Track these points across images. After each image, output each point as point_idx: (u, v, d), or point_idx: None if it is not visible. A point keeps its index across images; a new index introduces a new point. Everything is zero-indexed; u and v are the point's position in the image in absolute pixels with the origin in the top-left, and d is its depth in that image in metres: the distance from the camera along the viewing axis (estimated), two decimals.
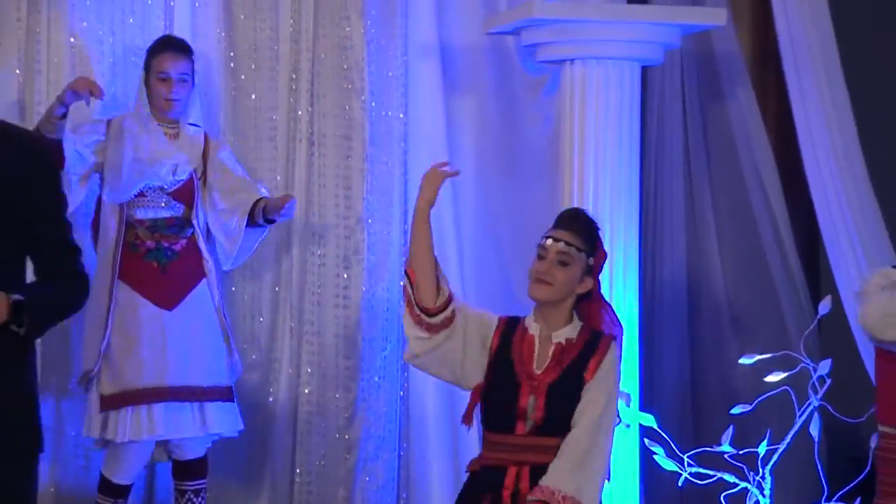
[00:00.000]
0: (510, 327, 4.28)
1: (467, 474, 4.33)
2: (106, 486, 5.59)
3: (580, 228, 4.29)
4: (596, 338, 4.28)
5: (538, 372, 4.21)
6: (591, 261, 4.28)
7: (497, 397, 4.23)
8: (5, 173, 3.60)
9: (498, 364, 4.25)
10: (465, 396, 4.34)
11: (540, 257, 4.26)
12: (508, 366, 4.23)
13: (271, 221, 5.68)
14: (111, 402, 5.49)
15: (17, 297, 3.57)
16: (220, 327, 5.65)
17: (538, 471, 4.18)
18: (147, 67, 5.64)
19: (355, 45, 6.06)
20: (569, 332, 4.27)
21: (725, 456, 5.73)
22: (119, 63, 5.88)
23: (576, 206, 5.61)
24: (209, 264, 5.64)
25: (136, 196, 5.59)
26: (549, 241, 4.26)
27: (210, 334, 5.62)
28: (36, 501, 3.78)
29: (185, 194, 5.64)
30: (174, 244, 5.60)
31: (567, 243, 4.24)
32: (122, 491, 5.60)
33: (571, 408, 4.21)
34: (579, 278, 4.26)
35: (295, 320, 6.08)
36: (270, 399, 6.09)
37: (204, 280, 5.63)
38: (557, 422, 4.20)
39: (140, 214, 5.60)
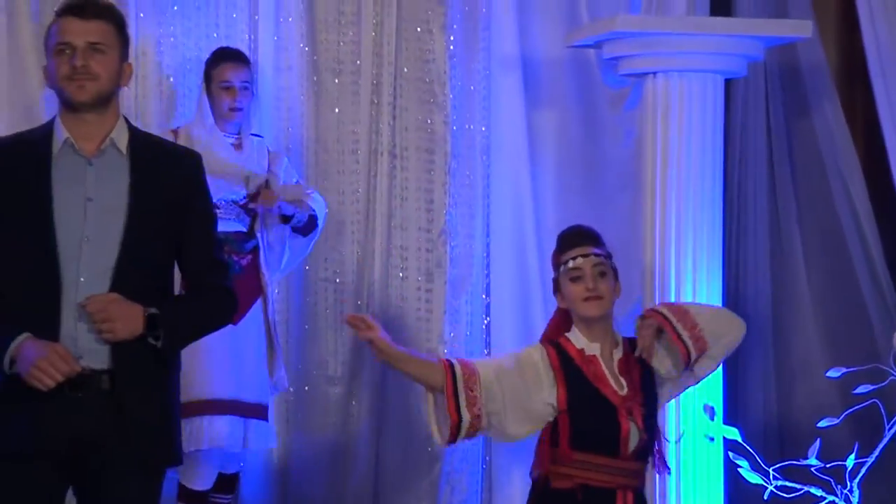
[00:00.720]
0: (560, 349, 4.21)
1: (545, 487, 4.20)
2: (185, 493, 5.61)
3: (594, 239, 4.27)
4: (634, 345, 4.25)
5: (623, 394, 4.16)
6: (615, 264, 4.28)
7: (594, 422, 4.15)
8: (165, 187, 3.65)
9: (578, 389, 4.15)
10: None
11: (575, 279, 4.20)
12: (593, 389, 4.15)
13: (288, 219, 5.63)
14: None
15: (152, 310, 3.57)
16: (269, 344, 5.65)
17: (639, 496, 4.19)
18: (207, 78, 5.66)
19: (437, 58, 6.10)
20: (621, 346, 4.24)
21: (812, 469, 5.65)
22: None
23: (657, 220, 5.60)
24: (266, 279, 5.65)
25: None
26: (580, 259, 4.21)
27: (260, 351, 5.62)
28: None
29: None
30: (241, 259, 5.59)
31: (596, 254, 4.22)
32: (202, 497, 5.62)
33: (656, 424, 4.21)
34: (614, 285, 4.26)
35: None
36: (353, 412, 6.10)
37: (261, 297, 5.63)
38: (651, 443, 4.21)
39: None
